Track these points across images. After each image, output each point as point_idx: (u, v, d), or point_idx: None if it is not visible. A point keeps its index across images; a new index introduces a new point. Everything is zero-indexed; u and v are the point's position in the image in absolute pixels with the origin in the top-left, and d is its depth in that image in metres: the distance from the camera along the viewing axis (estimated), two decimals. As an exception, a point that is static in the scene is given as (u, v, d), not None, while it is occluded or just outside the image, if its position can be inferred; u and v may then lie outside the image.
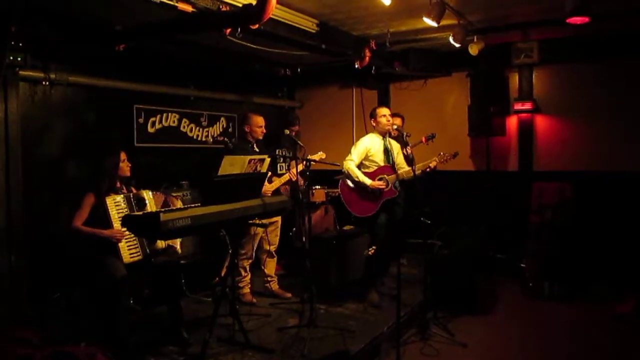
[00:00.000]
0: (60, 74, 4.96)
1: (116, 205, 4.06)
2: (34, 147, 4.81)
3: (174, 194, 5.00)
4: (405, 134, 4.98)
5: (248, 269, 5.22)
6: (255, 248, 5.21)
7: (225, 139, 6.76)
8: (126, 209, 4.07)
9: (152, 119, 6.02)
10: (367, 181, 4.96)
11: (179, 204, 4.37)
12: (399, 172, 5.05)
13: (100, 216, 4.01)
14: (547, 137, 6.54)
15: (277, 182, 5.22)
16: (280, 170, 5.67)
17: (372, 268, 5.24)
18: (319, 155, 5.24)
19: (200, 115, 6.65)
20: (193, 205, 3.86)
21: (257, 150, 5.11)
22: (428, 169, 5.02)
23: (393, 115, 6.23)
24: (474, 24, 5.53)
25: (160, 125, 6.13)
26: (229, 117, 7.01)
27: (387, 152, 5.16)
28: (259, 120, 5.14)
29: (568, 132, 6.42)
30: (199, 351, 3.80)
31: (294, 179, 5.27)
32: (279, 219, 5.36)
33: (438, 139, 6.13)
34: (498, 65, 6.54)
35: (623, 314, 5.07)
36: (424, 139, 6.15)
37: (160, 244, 4.21)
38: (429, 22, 4.66)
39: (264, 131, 5.17)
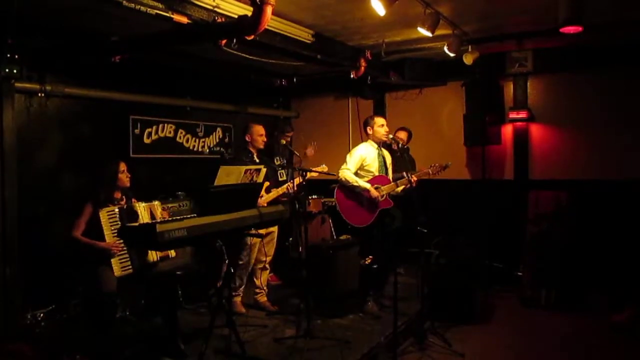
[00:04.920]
0: (55, 85, 4.96)
1: (109, 217, 4.04)
2: (29, 159, 4.80)
3: (170, 205, 4.99)
4: (404, 145, 4.97)
5: (245, 279, 5.21)
6: (253, 259, 5.20)
7: (222, 149, 6.76)
8: (118, 223, 4.04)
9: (148, 129, 6.02)
10: (367, 185, 4.91)
11: (159, 209, 4.36)
12: (392, 183, 5.01)
13: (96, 228, 4.01)
14: (542, 145, 6.57)
15: (274, 193, 5.22)
16: (281, 177, 5.67)
17: (368, 278, 5.22)
18: (322, 168, 5.31)
19: (196, 126, 6.66)
20: (189, 215, 3.85)
21: (257, 160, 5.14)
22: (414, 184, 4.87)
23: (400, 129, 6.26)
24: (469, 33, 5.56)
25: (157, 136, 6.13)
26: (225, 127, 7.02)
27: (382, 161, 5.16)
28: (260, 129, 5.22)
29: (563, 140, 6.44)
30: (195, 363, 3.78)
31: (291, 191, 5.26)
32: (275, 229, 5.34)
33: (434, 148, 6.16)
34: (493, 75, 6.56)
35: (619, 323, 5.05)
36: (430, 170, 5.89)
37: (152, 257, 4.18)
38: (424, 32, 4.68)
39: (265, 140, 5.23)
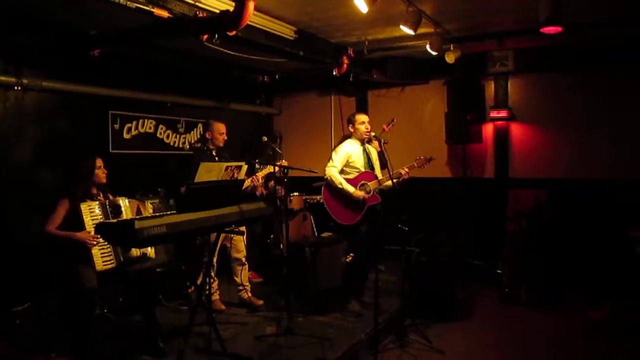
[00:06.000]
0: (33, 79, 4.86)
1: (91, 211, 3.97)
2: (4, 154, 4.71)
3: (150, 201, 4.93)
4: (382, 141, 4.98)
5: (214, 276, 5.14)
6: (216, 256, 5.13)
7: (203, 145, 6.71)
8: (101, 216, 4.00)
9: (128, 125, 5.95)
10: (351, 189, 4.89)
11: (149, 208, 4.32)
12: (379, 178, 4.98)
13: (75, 222, 3.93)
14: (522, 144, 6.63)
15: None
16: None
17: (351, 275, 5.22)
18: (282, 162, 5.23)
19: (177, 122, 6.59)
20: (169, 212, 3.81)
21: (216, 158, 5.05)
22: (407, 176, 4.95)
23: None
24: (451, 32, 5.60)
25: (137, 132, 6.05)
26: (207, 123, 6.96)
27: (367, 157, 5.14)
28: (221, 127, 5.10)
29: (543, 140, 6.51)
30: (174, 361, 3.74)
31: (256, 184, 5.24)
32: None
33: (416, 146, 6.17)
34: (474, 74, 6.62)
35: (598, 320, 5.13)
36: (385, 127, 6.13)
37: (135, 252, 4.12)
38: (406, 30, 4.70)
39: (225, 138, 5.13)
